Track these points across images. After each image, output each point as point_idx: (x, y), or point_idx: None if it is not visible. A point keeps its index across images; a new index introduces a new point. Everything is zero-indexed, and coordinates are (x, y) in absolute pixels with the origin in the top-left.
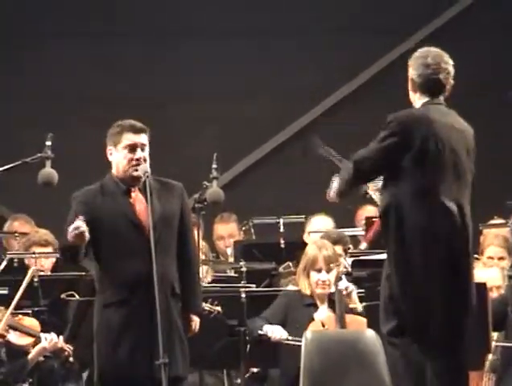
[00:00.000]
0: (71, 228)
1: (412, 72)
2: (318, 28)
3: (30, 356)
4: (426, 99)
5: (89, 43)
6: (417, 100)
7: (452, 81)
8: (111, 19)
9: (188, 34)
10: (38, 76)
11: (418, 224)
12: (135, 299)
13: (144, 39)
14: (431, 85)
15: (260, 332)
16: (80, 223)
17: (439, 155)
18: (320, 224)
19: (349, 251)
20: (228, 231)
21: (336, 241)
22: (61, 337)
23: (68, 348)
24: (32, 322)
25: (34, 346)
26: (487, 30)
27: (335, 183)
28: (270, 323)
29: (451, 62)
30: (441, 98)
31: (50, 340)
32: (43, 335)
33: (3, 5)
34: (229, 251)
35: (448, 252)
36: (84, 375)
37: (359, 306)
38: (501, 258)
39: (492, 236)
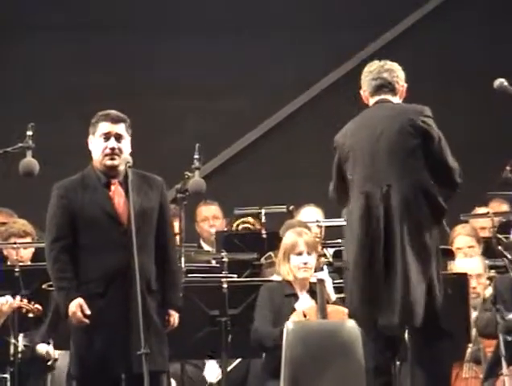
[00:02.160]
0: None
1: (362, 88)
2: (296, 23)
3: None
4: (373, 101)
5: (71, 35)
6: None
7: (401, 82)
8: (93, 12)
9: (170, 27)
10: (20, 67)
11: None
12: (110, 293)
13: (126, 31)
14: (375, 85)
15: None
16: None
17: (351, 152)
18: (309, 215)
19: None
20: (212, 212)
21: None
22: (17, 297)
23: (26, 305)
24: None
25: None
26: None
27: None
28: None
29: (397, 67)
30: (390, 97)
31: (5, 302)
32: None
33: None
34: (213, 230)
35: (362, 234)
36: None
37: (332, 297)
38: (470, 247)
39: (459, 227)
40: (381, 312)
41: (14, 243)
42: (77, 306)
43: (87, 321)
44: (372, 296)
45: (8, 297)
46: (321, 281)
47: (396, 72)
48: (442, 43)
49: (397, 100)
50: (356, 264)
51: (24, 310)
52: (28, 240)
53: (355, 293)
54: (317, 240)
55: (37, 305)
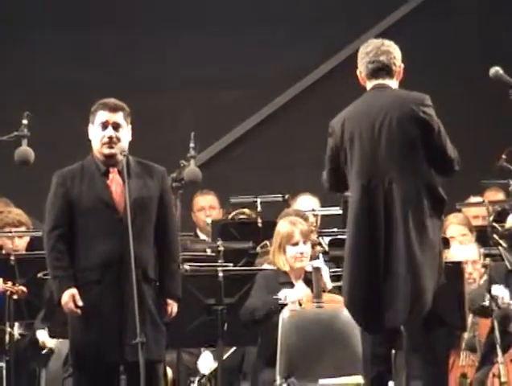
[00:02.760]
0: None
1: (359, 68)
2: (291, 16)
3: None
4: (371, 84)
5: (67, 30)
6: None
7: (398, 63)
8: (86, 8)
9: (164, 22)
10: (14, 58)
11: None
12: (106, 280)
13: (120, 26)
14: (373, 68)
15: (280, 301)
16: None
17: (349, 141)
18: (305, 203)
19: (319, 229)
20: (208, 202)
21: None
22: (0, 279)
23: (10, 287)
24: None
25: None
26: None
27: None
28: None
29: (394, 47)
30: (388, 81)
31: None
32: None
33: None
34: (209, 220)
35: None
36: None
37: (328, 286)
38: (463, 235)
39: (451, 216)
40: (386, 306)
41: (9, 232)
42: (70, 296)
43: (79, 311)
44: (374, 291)
45: None
46: (317, 269)
47: (393, 53)
48: (438, 31)
49: (394, 83)
50: (355, 259)
51: (8, 293)
52: (23, 229)
53: (354, 288)
54: (313, 228)
55: (21, 287)
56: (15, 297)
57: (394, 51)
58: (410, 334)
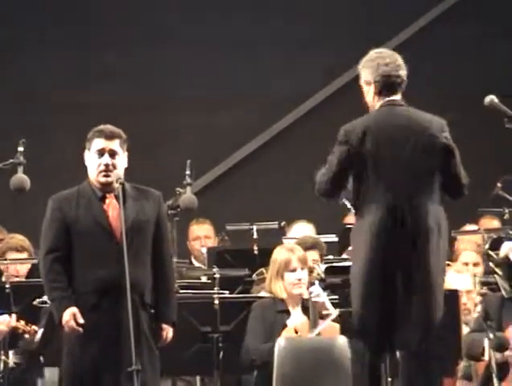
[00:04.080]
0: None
1: (370, 76)
2: (292, 39)
3: None
4: (384, 99)
5: (64, 50)
6: (377, 102)
7: (405, 79)
8: (86, 27)
9: (164, 43)
10: (11, 82)
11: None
12: (103, 306)
13: (120, 46)
14: (391, 83)
15: None
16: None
17: (371, 158)
18: (301, 231)
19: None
20: (204, 231)
21: (311, 247)
22: (13, 315)
23: (23, 326)
24: None
25: None
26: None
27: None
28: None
29: (401, 60)
30: (399, 96)
31: (3, 321)
32: None
33: None
34: (204, 250)
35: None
36: (48, 370)
37: (333, 312)
38: (476, 264)
39: (465, 242)
40: (400, 328)
41: (5, 259)
42: (71, 315)
43: (80, 329)
44: (389, 312)
45: (5, 317)
46: (313, 296)
47: (405, 70)
48: (438, 56)
49: (400, 96)
50: (373, 277)
51: (21, 331)
52: (25, 255)
53: (369, 309)
54: (316, 257)
55: (34, 327)
56: (27, 336)
57: (405, 68)
58: (404, 361)
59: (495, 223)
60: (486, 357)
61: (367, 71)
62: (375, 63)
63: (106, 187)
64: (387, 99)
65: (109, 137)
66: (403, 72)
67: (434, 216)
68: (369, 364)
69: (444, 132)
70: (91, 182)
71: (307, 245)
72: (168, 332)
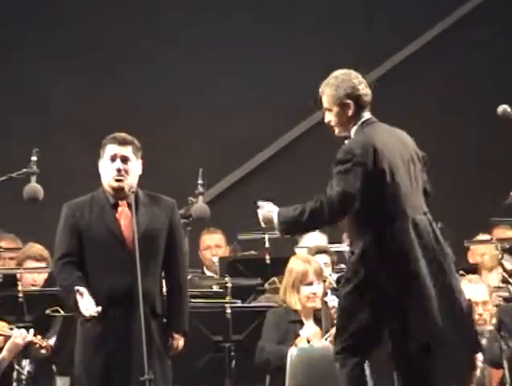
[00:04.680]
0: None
1: (342, 96)
2: (304, 46)
3: (1, 355)
4: (368, 116)
5: (77, 60)
6: (351, 126)
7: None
8: (99, 38)
9: (176, 51)
10: (25, 90)
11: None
12: (113, 315)
13: (131, 56)
14: (362, 104)
15: None
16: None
17: (388, 173)
18: (313, 240)
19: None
20: (215, 241)
21: (321, 251)
22: (31, 331)
23: (39, 341)
24: (1, 324)
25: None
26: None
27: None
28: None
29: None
30: (368, 114)
31: (19, 335)
32: (13, 332)
33: None
34: (215, 259)
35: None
36: (60, 379)
37: None
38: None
39: (485, 249)
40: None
41: (18, 268)
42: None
43: (98, 308)
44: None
45: (23, 331)
46: (326, 306)
47: None
48: (450, 66)
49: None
50: (426, 291)
51: (37, 345)
52: (43, 264)
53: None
54: (328, 262)
55: (50, 343)
56: (43, 351)
57: None
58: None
59: (509, 233)
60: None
61: (341, 92)
62: (350, 84)
63: (119, 193)
64: (365, 118)
65: (122, 143)
66: (369, 90)
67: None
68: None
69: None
70: (104, 189)
71: (318, 249)
72: (179, 341)
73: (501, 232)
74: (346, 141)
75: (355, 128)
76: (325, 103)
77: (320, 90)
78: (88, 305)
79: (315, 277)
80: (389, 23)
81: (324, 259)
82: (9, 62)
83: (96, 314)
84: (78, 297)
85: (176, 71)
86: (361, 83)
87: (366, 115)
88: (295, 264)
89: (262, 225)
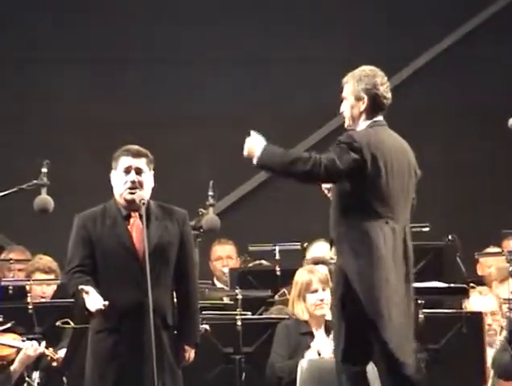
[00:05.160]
0: (95, 305)
1: (359, 90)
2: (315, 56)
3: (13, 367)
4: (372, 120)
5: (88, 70)
6: (361, 121)
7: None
8: (110, 46)
9: (187, 60)
10: (36, 102)
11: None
12: (124, 328)
13: (142, 65)
14: (385, 107)
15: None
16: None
17: (386, 177)
18: (320, 250)
19: None
20: (226, 252)
21: (317, 262)
22: (43, 343)
23: (51, 353)
24: (12, 335)
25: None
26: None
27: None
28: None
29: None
30: (381, 117)
31: (31, 347)
32: (25, 344)
33: (1, 29)
34: (226, 270)
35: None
36: None
37: None
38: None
39: (493, 261)
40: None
41: (28, 280)
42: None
43: (106, 302)
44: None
45: (34, 343)
46: None
47: None
48: (461, 77)
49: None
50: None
51: (49, 358)
52: (52, 277)
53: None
54: (326, 272)
55: (60, 355)
56: (55, 364)
57: None
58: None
59: None
60: None
61: (361, 86)
62: (372, 81)
63: (131, 205)
64: (376, 119)
65: (136, 155)
66: (388, 94)
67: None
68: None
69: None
70: (117, 201)
71: (316, 261)
72: (191, 353)
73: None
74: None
75: (364, 125)
76: (344, 91)
77: (345, 79)
78: (93, 301)
79: (320, 284)
80: (399, 33)
81: (321, 269)
82: (19, 74)
83: (103, 307)
84: (84, 295)
85: (187, 80)
86: (383, 84)
87: (379, 117)
88: (299, 275)
89: (244, 153)
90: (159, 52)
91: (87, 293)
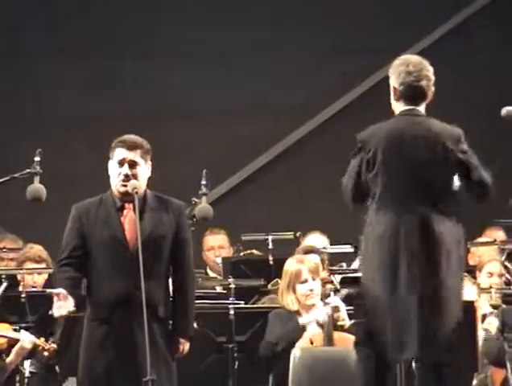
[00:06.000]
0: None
1: (394, 81)
2: (306, 49)
3: (9, 359)
4: (405, 107)
5: (82, 61)
6: (397, 109)
7: (433, 88)
8: (104, 38)
9: (178, 53)
10: (28, 91)
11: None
12: (115, 318)
13: (135, 57)
14: (412, 93)
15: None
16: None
17: (382, 168)
18: (314, 242)
19: (330, 265)
20: (217, 242)
21: (308, 251)
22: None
23: (43, 343)
24: (5, 325)
25: (7, 348)
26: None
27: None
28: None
29: (431, 69)
30: (421, 106)
31: (29, 340)
32: (20, 335)
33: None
34: (218, 260)
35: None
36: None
37: (347, 323)
38: (500, 275)
39: (493, 253)
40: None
41: (21, 269)
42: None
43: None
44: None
45: (32, 336)
46: (336, 307)
47: (432, 79)
48: (455, 67)
49: (423, 107)
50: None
51: (40, 348)
52: (43, 266)
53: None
54: (318, 261)
55: (53, 345)
56: (46, 353)
57: (432, 77)
58: (422, 373)
59: (500, 235)
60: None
61: (392, 77)
62: (397, 70)
63: (125, 197)
64: (406, 108)
65: (131, 147)
66: (426, 82)
67: (441, 228)
68: (375, 374)
69: (461, 143)
70: (113, 191)
71: (307, 249)
72: (185, 346)
73: (494, 234)
74: None
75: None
76: None
77: None
78: (60, 305)
79: (309, 274)
80: (393, 23)
81: (313, 258)
82: (12, 64)
83: (67, 313)
84: (55, 298)
85: (180, 71)
86: (411, 72)
87: (409, 106)
88: (289, 265)
89: None
90: (151, 45)
91: (57, 295)
